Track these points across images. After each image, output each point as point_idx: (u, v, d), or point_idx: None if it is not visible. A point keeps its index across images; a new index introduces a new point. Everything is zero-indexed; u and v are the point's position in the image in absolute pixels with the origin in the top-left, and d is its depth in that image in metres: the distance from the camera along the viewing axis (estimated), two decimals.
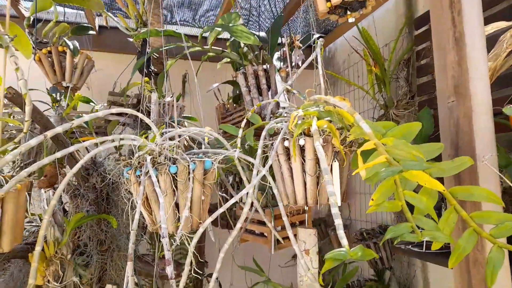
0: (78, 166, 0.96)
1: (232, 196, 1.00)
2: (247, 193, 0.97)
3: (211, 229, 1.11)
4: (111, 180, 1.49)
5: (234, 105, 2.18)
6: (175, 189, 0.93)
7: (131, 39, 1.83)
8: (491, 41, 1.14)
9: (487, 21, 1.12)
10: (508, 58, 1.14)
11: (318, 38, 1.19)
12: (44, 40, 1.92)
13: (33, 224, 1.63)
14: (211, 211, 0.94)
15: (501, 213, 0.78)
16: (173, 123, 1.34)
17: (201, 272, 2.14)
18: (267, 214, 1.44)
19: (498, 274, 0.74)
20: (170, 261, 0.73)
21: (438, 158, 0.89)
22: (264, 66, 1.60)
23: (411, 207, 0.79)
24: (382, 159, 0.66)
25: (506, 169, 1.27)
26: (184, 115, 2.19)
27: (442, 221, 0.80)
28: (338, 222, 0.62)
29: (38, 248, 0.86)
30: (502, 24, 1.13)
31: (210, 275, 2.49)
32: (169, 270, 0.72)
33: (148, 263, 1.69)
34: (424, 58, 1.99)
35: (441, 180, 0.73)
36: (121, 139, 0.97)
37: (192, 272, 0.92)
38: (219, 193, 1.50)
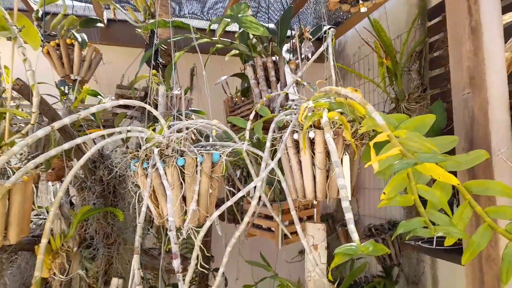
0: (85, 158, 0.95)
1: (239, 190, 0.99)
2: (255, 187, 0.95)
3: (218, 223, 1.09)
4: (118, 173, 1.48)
5: (242, 98, 2.16)
6: (182, 182, 0.91)
7: (139, 30, 1.82)
8: (509, 30, 1.10)
9: (505, 10, 1.08)
10: None
11: (329, 28, 1.16)
12: (53, 33, 1.92)
13: (41, 217, 1.64)
14: (218, 206, 0.93)
15: None
16: (180, 116, 1.32)
17: (207, 267, 2.13)
18: (274, 209, 1.42)
19: None
20: (177, 255, 0.72)
21: (451, 152, 0.86)
22: (273, 58, 1.58)
23: (423, 202, 0.76)
24: (396, 151, 0.63)
25: None
26: (191, 108, 2.18)
27: (456, 216, 0.78)
28: (349, 216, 0.60)
29: (44, 241, 0.85)
30: None
31: (216, 269, 2.48)
32: (176, 263, 0.71)
33: (154, 257, 1.69)
34: (437, 50, 1.94)
35: (453, 174, 0.71)
36: (128, 131, 0.96)
37: (198, 266, 0.91)
38: (227, 187, 1.49)
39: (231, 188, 1.82)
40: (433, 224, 0.74)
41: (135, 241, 0.79)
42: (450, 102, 1.09)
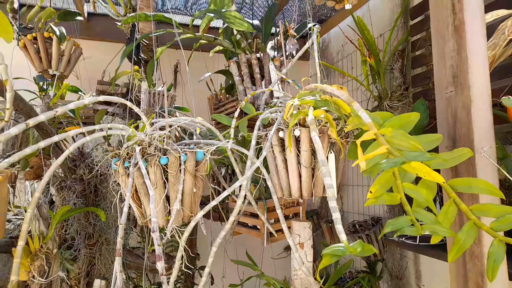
0: (63, 156, 0.92)
1: (224, 189, 0.97)
2: (240, 185, 0.94)
3: (202, 222, 1.07)
4: (99, 171, 1.44)
5: (227, 95, 2.14)
6: (165, 181, 0.89)
7: (119, 23, 1.76)
8: (490, 30, 1.11)
9: (487, 9, 1.10)
10: (507, 47, 1.12)
11: (314, 25, 1.15)
12: (29, 25, 1.85)
13: (19, 217, 1.58)
14: (203, 204, 0.91)
15: (501, 206, 0.76)
16: (163, 113, 1.29)
17: (192, 267, 2.11)
18: (260, 207, 1.41)
19: None
20: (161, 257, 0.70)
21: (435, 151, 0.86)
22: (258, 55, 1.56)
23: (409, 200, 0.76)
24: (383, 150, 0.63)
25: (502, 161, 1.26)
26: (175, 105, 2.14)
27: (441, 214, 0.78)
28: (336, 216, 0.59)
29: (21, 243, 0.82)
30: (502, 12, 1.10)
31: (202, 268, 2.47)
32: (160, 266, 0.69)
33: (138, 256, 1.65)
34: (419, 49, 1.96)
35: (437, 172, 0.71)
36: (109, 128, 0.93)
37: (183, 266, 0.89)
38: (211, 185, 1.46)
39: (216, 187, 1.80)
40: (419, 222, 0.75)
41: (117, 242, 0.76)
42: (432, 100, 1.10)
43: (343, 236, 0.55)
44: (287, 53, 1.57)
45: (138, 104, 1.64)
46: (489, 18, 1.14)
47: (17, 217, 1.62)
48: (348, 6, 1.18)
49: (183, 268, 0.86)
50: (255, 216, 1.50)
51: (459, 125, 0.98)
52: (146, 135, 0.90)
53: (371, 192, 0.70)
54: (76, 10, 2.05)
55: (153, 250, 1.64)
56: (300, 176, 0.98)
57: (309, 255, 1.02)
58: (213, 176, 1.97)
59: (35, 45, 1.80)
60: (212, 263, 0.93)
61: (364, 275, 2.27)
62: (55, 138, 0.84)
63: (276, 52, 1.78)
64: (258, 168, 0.96)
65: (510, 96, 1.17)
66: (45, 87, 2.00)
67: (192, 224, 0.82)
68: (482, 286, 0.90)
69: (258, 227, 1.47)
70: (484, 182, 0.78)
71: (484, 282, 0.90)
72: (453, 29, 1.00)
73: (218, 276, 2.23)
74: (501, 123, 1.42)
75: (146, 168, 0.86)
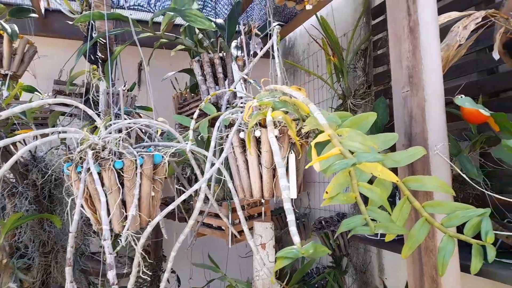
0: (12, 160, 0.87)
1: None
2: (200, 187, 0.92)
3: (163, 226, 1.05)
4: (53, 176, 1.38)
5: (192, 94, 2.11)
6: (120, 186, 0.86)
7: (71, 23, 1.69)
8: (443, 31, 1.15)
9: (441, 11, 1.13)
10: (460, 48, 1.16)
11: (274, 26, 1.15)
12: None
13: None
14: (167, 205, 0.88)
15: (452, 203, 0.79)
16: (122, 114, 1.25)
17: (150, 273, 2.04)
18: (224, 208, 1.40)
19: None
20: (112, 265, 0.67)
21: (393, 148, 0.88)
22: (221, 54, 1.54)
23: (366, 199, 0.77)
24: (336, 151, 0.63)
25: (456, 158, 1.31)
26: (138, 105, 2.09)
27: (395, 211, 0.80)
28: (291, 218, 0.59)
29: None
30: (454, 14, 1.14)
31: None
32: (111, 275, 0.66)
33: (99, 261, 1.60)
34: (381, 48, 2.01)
35: (395, 169, 0.72)
36: (59, 132, 0.89)
37: (141, 272, 0.87)
38: (177, 186, 1.44)
39: (182, 187, 1.77)
40: (375, 221, 0.76)
41: (67, 252, 0.73)
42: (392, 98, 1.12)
43: (296, 238, 0.55)
44: (251, 52, 1.57)
45: (97, 104, 1.58)
46: (443, 20, 1.17)
47: None
48: (308, 7, 1.19)
49: (148, 272, 0.84)
50: (219, 217, 1.49)
51: (414, 124, 1.00)
52: (100, 138, 0.86)
53: (327, 192, 0.71)
54: (30, 7, 1.95)
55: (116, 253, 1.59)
56: (261, 176, 0.98)
57: (271, 255, 1.02)
58: (178, 178, 1.94)
59: None
60: (179, 265, 0.91)
61: (330, 270, 2.31)
62: (1, 143, 0.79)
63: (240, 52, 1.77)
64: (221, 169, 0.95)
65: (462, 95, 1.21)
66: None
67: (148, 229, 0.80)
68: (436, 279, 0.94)
69: (223, 227, 1.46)
70: (436, 179, 0.80)
71: (438, 276, 0.93)
72: (409, 31, 1.02)
73: (185, 277, 2.20)
74: (456, 120, 1.48)
75: (100, 173, 0.83)
